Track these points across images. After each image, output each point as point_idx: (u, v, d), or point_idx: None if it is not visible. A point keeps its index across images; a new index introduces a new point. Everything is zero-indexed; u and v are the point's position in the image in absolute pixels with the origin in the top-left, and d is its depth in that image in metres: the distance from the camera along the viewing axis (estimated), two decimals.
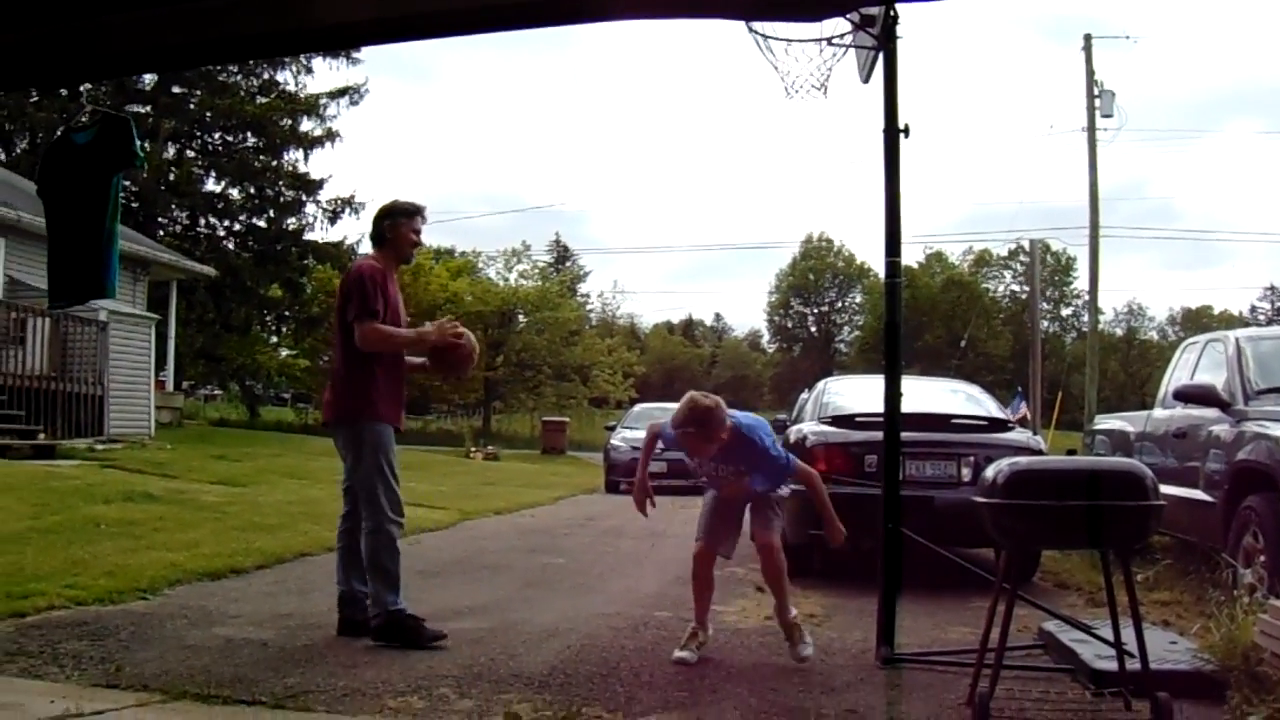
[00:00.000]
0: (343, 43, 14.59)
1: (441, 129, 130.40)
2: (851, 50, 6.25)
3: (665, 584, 8.77)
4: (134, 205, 31.19)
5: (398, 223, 6.72)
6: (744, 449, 6.15)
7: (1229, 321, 70.84)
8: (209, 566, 8.50)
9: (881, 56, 6.04)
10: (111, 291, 5.61)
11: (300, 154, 36.69)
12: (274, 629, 6.49)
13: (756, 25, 5.79)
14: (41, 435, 17.67)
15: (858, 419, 9.14)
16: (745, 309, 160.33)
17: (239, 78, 35.68)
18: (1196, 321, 77.04)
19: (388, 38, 4.05)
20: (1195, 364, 9.95)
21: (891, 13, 5.77)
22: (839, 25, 5.95)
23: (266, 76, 36.43)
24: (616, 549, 11.52)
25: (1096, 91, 32.11)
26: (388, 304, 6.54)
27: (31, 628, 6.21)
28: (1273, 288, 77.28)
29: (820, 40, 6.03)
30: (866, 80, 6.32)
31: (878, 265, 6.16)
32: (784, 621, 6.29)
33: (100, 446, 18.57)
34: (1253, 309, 78.62)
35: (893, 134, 5.98)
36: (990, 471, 4.81)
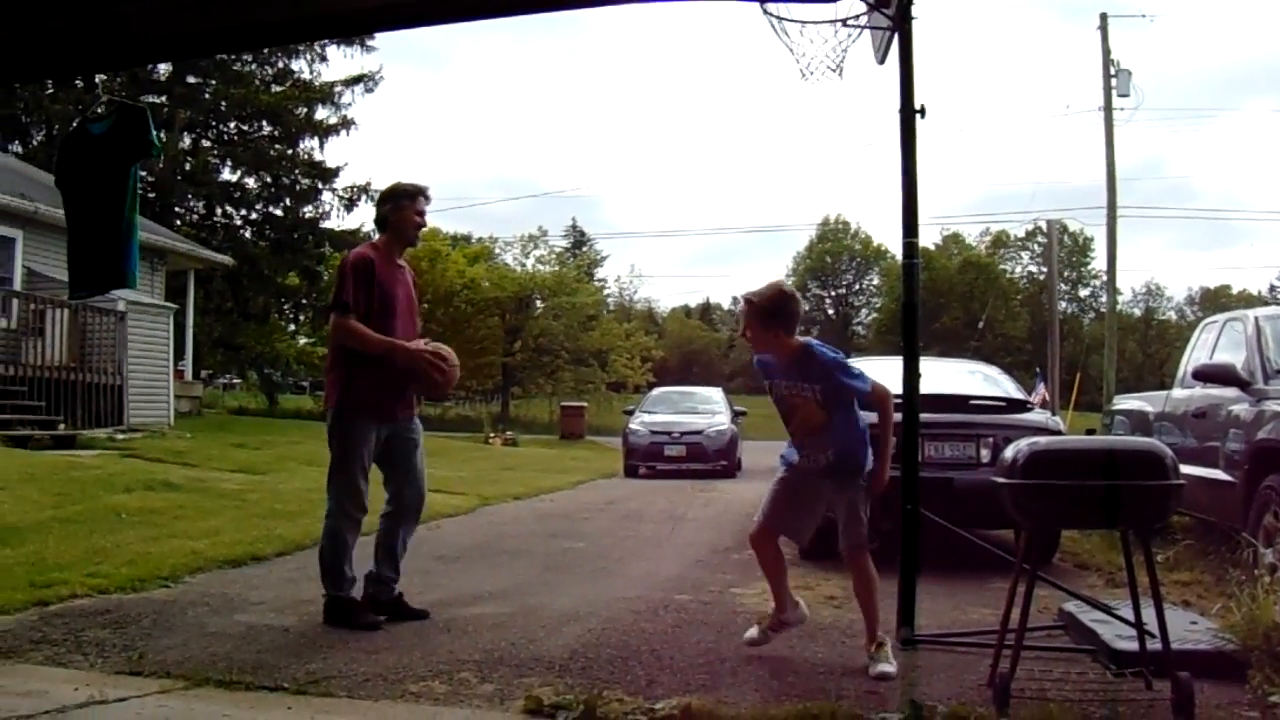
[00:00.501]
0: (357, 29, 14.60)
1: (456, 115, 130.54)
2: (867, 31, 6.24)
3: (685, 567, 8.78)
4: (151, 195, 31.24)
5: (400, 205, 6.68)
6: (814, 364, 5.76)
7: (1248, 301, 70.44)
8: (230, 554, 8.54)
9: (897, 37, 6.02)
10: (133, 281, 5.62)
11: (316, 142, 36.73)
12: (295, 615, 6.52)
13: (771, 7, 5.78)
14: (62, 425, 17.76)
15: None
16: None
17: (254, 67, 35.70)
18: (1215, 301, 76.68)
19: (402, 23, 4.04)
20: (1214, 344, 9.91)
21: None
22: (854, 6, 5.94)
23: (281, 65, 36.44)
24: (636, 533, 11.52)
25: (1113, 70, 31.93)
26: (376, 294, 6.49)
27: (55, 616, 6.26)
28: None
29: (835, 21, 6.02)
30: (882, 61, 6.30)
31: (895, 247, 6.18)
32: (869, 642, 5.69)
33: (120, 436, 18.65)
34: (1272, 288, 78.10)
35: (909, 115, 5.96)
36: (1010, 452, 4.80)
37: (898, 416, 5.96)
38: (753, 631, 6.01)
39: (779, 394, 5.94)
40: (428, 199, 6.87)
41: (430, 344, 6.75)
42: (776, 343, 5.77)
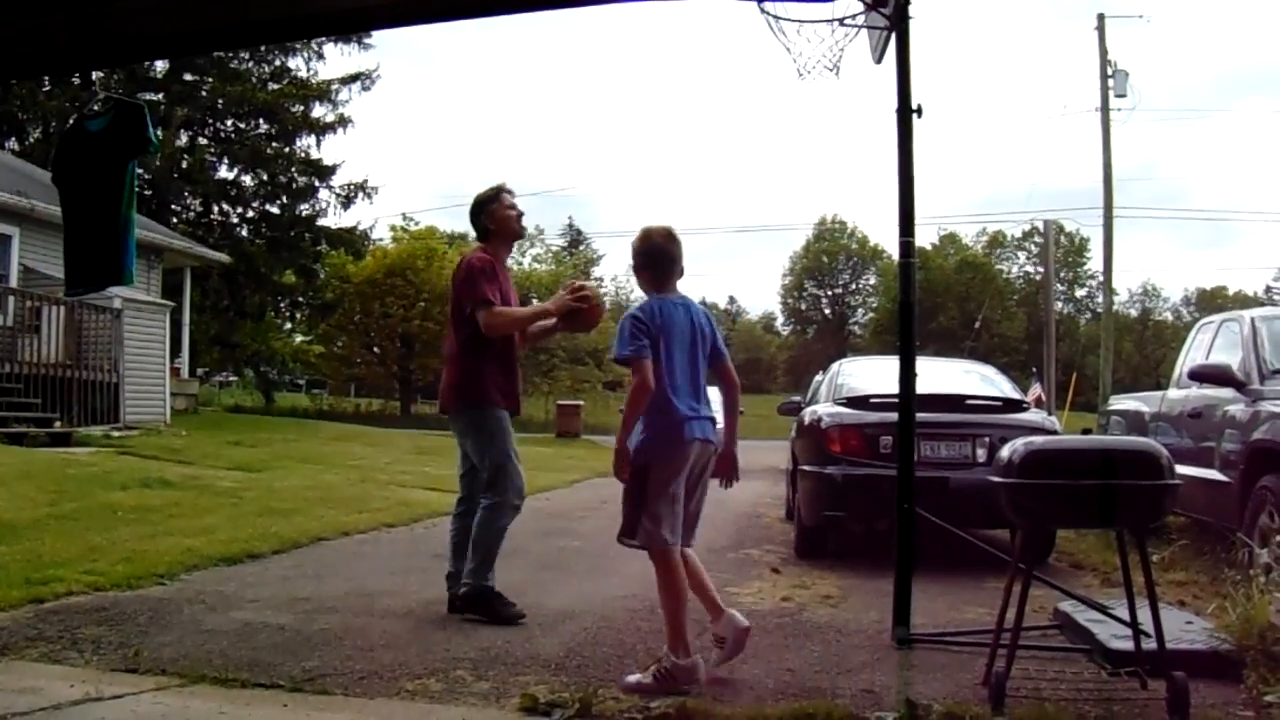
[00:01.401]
0: (355, 26, 14.60)
1: (453, 113, 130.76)
2: (864, 31, 6.24)
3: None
4: (147, 193, 31.23)
5: (490, 210, 6.81)
6: None
7: (1244, 302, 70.57)
8: (225, 552, 8.53)
9: (894, 37, 6.02)
10: (130, 278, 5.62)
11: (313, 140, 36.74)
12: (291, 613, 6.52)
13: (768, 6, 5.79)
14: (58, 423, 17.76)
15: (872, 400, 9.14)
16: (759, 292, 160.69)
17: (250, 64, 35.69)
18: (1211, 302, 76.83)
19: (400, 21, 4.04)
20: (1210, 344, 9.93)
21: None
22: (851, 5, 5.94)
23: (278, 63, 36.42)
24: None
25: (1110, 71, 31.97)
26: (501, 291, 6.64)
27: (51, 613, 6.25)
28: None
29: (832, 21, 6.02)
30: (879, 61, 6.31)
31: (891, 247, 6.15)
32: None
33: (116, 433, 18.65)
34: (1268, 289, 78.30)
35: (905, 114, 5.96)
36: (1006, 451, 4.81)
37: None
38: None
39: None
40: (510, 192, 6.97)
41: (569, 283, 6.87)
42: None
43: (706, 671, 5.18)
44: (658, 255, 5.55)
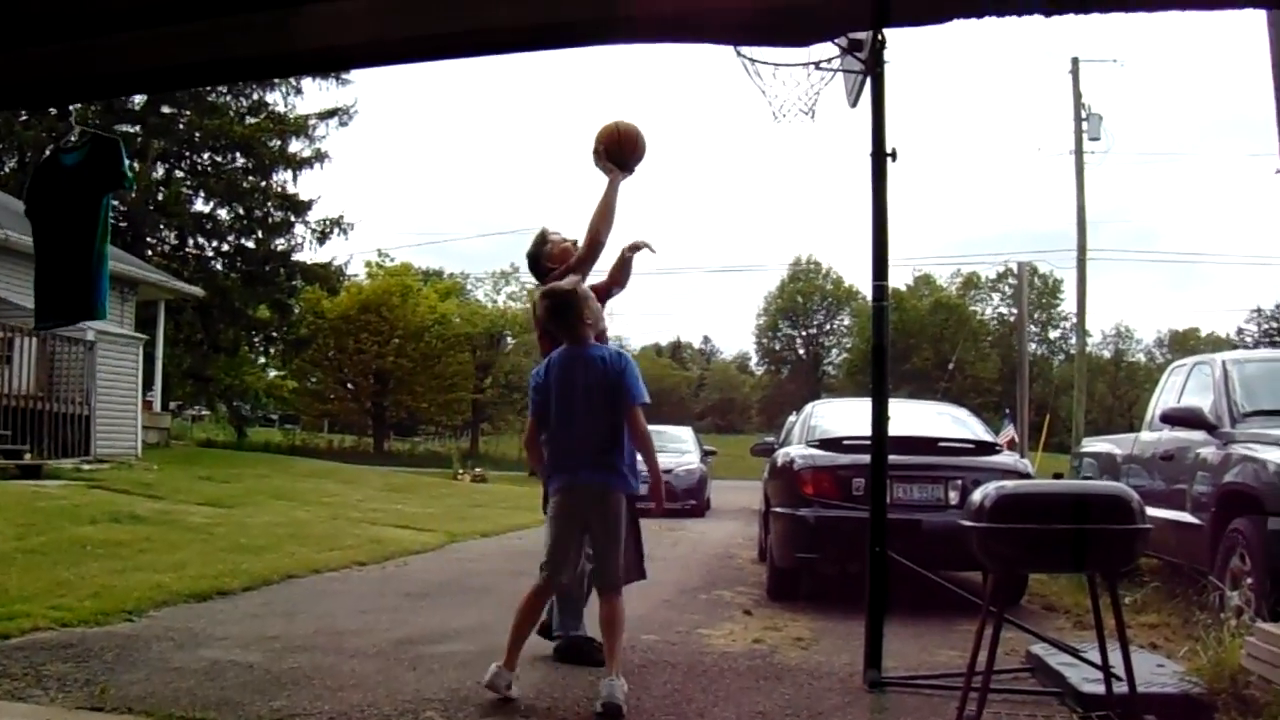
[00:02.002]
0: (333, 66, 14.66)
1: (430, 150, 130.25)
2: (839, 75, 6.29)
3: (652, 607, 8.74)
4: (122, 225, 31.14)
5: (542, 264, 6.85)
6: None
7: (1216, 344, 71.02)
8: (195, 588, 8.47)
9: (869, 80, 6.07)
10: (102, 313, 5.60)
11: (289, 175, 36.64)
12: (260, 651, 6.47)
13: (745, 50, 5.83)
14: (28, 455, 17.61)
15: (845, 442, 9.15)
16: (733, 331, 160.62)
17: (228, 98, 35.63)
18: (1184, 344, 77.21)
19: (379, 61, 4.06)
20: (1182, 387, 9.99)
21: (879, 37, 5.80)
22: (827, 50, 5.99)
23: (256, 97, 36.38)
24: None
25: (1084, 115, 32.20)
26: None
27: (15, 649, 6.19)
28: (1259, 310, 77.39)
29: (808, 65, 6.07)
30: (854, 104, 6.35)
31: (866, 288, 6.19)
32: None
33: (87, 467, 18.51)
34: (1239, 331, 78.75)
35: (880, 158, 6.00)
36: (977, 495, 4.82)
37: None
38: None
39: None
40: (545, 238, 7.00)
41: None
42: None
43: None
44: (548, 322, 5.95)
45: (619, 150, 6.48)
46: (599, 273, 6.81)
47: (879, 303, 6.19)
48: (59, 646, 6.30)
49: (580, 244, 6.59)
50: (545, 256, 6.78)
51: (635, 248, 6.78)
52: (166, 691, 5.37)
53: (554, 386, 5.72)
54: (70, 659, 6.00)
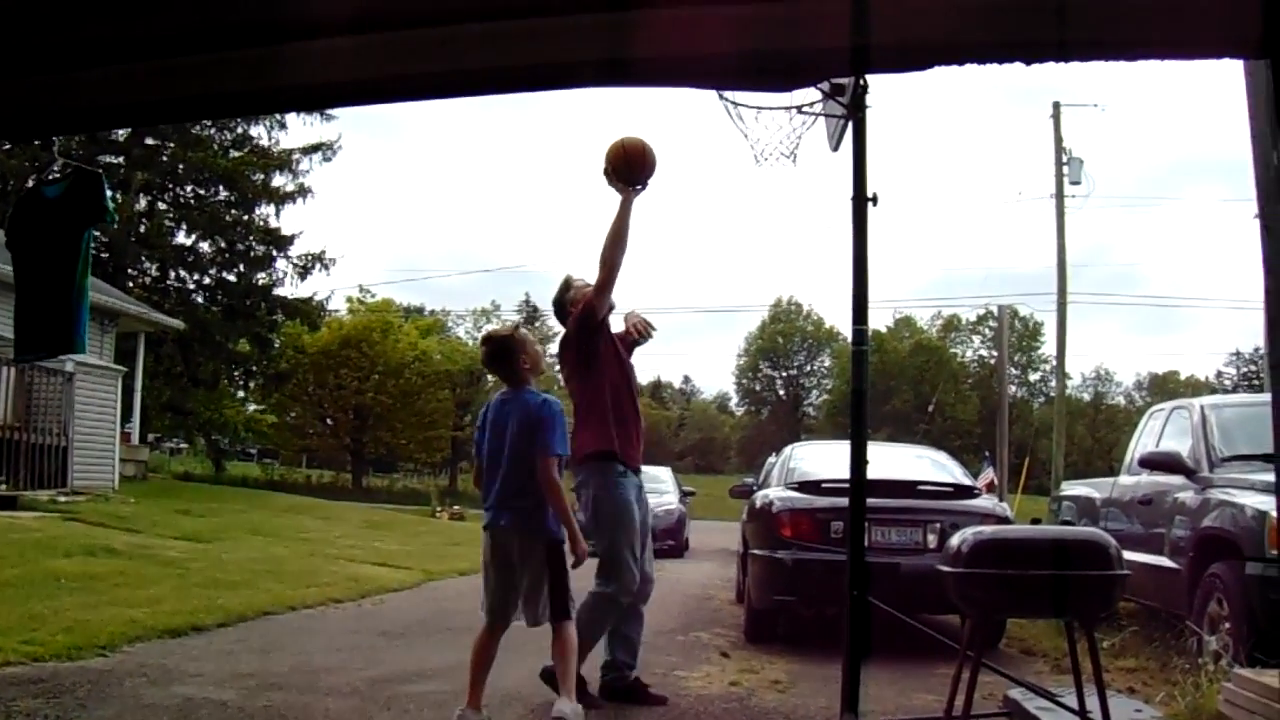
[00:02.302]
0: (318, 103, 14.66)
1: (411, 186, 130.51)
2: (821, 118, 6.32)
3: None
4: (104, 256, 31.09)
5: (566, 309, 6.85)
6: None
7: (1195, 387, 71.40)
8: (170, 624, 8.42)
9: (851, 125, 6.10)
10: (81, 346, 5.59)
11: (272, 209, 36.71)
12: (234, 689, 6.43)
13: (727, 93, 5.86)
14: (3, 486, 17.49)
15: (824, 485, 9.15)
16: (714, 372, 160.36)
17: (212, 131, 35.64)
18: (1163, 387, 77.57)
19: (363, 99, 4.07)
20: (1161, 431, 10.04)
21: (861, 83, 5.84)
22: (809, 94, 6.01)
23: (240, 130, 36.43)
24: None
25: (1065, 159, 32.37)
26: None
27: None
28: (1238, 353, 77.89)
29: (790, 108, 6.09)
30: (836, 149, 6.38)
31: (846, 329, 6.22)
32: None
33: (63, 499, 18.39)
34: (1219, 374, 79.29)
35: (861, 203, 6.02)
36: (955, 540, 4.83)
37: None
38: None
39: None
40: (569, 285, 6.98)
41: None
42: None
43: None
44: (488, 367, 6.35)
45: (627, 167, 6.45)
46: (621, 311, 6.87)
47: (859, 347, 6.20)
48: (30, 682, 6.24)
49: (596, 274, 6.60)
50: (570, 303, 6.79)
51: (637, 330, 6.95)
52: None
53: (489, 428, 5.93)
54: (42, 694, 5.95)
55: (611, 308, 6.65)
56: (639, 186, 6.49)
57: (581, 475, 6.64)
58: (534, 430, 5.75)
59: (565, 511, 5.88)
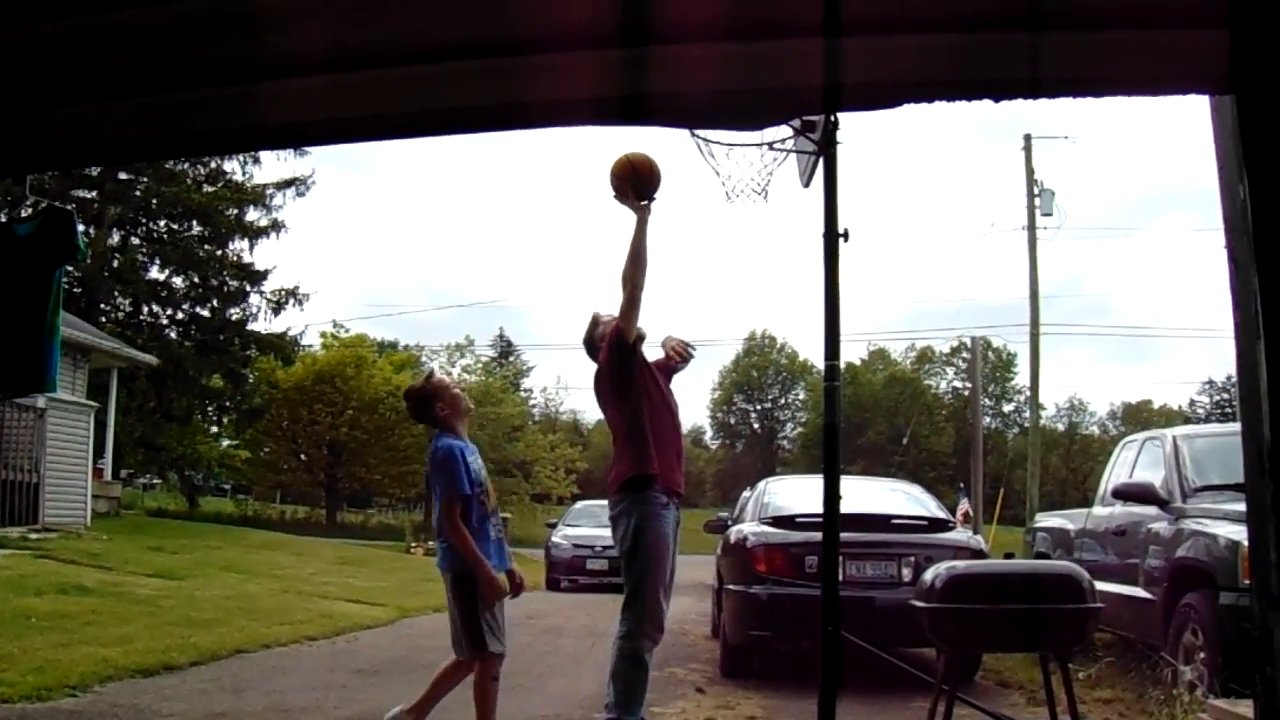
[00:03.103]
0: (291, 141, 14.70)
1: (385, 221, 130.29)
2: (793, 155, 6.35)
3: (604, 685, 8.68)
4: (76, 291, 30.97)
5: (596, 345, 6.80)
6: None
7: (1169, 416, 71.78)
8: (142, 663, 8.36)
9: (822, 161, 6.13)
10: (53, 385, 5.58)
11: (245, 244, 36.60)
12: None
13: (699, 131, 5.88)
14: None
15: (798, 519, 9.16)
16: (688, 405, 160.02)
17: (186, 166, 35.54)
18: (1137, 416, 77.95)
19: (338, 139, 4.08)
20: (1134, 462, 10.09)
21: (832, 119, 5.87)
22: (780, 130, 6.05)
23: (214, 165, 36.31)
24: (556, 648, 11.43)
25: (1036, 191, 32.54)
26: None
27: None
28: (1211, 382, 78.37)
29: (761, 145, 6.13)
30: (807, 185, 6.40)
31: (820, 362, 6.24)
32: None
33: (34, 536, 18.26)
34: (1191, 403, 79.76)
35: (832, 239, 6.04)
36: (928, 575, 4.85)
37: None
38: None
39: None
40: (596, 320, 6.94)
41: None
42: None
43: None
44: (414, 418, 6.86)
45: (637, 180, 6.28)
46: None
47: (831, 382, 6.21)
48: None
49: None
50: (599, 338, 6.73)
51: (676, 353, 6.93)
52: None
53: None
54: None
55: (642, 336, 6.59)
56: (649, 201, 6.41)
57: (621, 505, 6.52)
58: (433, 476, 6.15)
59: (466, 549, 6.01)
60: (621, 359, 6.44)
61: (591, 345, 6.83)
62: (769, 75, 3.09)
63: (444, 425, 6.26)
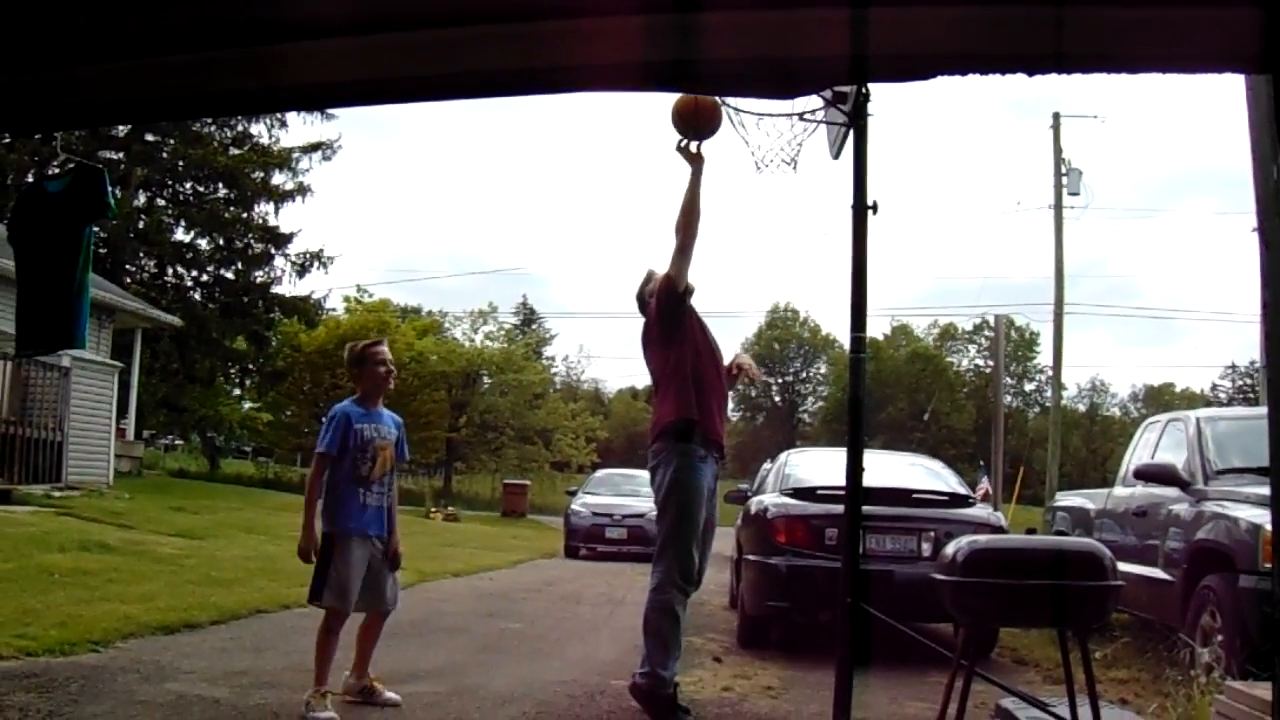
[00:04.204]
0: (317, 103, 14.66)
1: (410, 187, 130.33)
2: (822, 126, 6.31)
3: (622, 652, 8.72)
4: (102, 252, 31.03)
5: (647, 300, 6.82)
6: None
7: (1191, 399, 71.43)
8: (163, 620, 8.41)
9: (852, 133, 6.09)
10: (81, 342, 5.60)
11: (271, 207, 36.61)
12: (227, 686, 6.43)
13: (729, 100, 5.86)
14: None
15: (819, 491, 9.16)
16: None
17: (213, 129, 35.55)
18: (1159, 399, 77.65)
19: (363, 100, 4.06)
20: (1156, 443, 10.05)
21: (863, 91, 5.83)
22: (811, 101, 6.01)
23: (240, 128, 36.36)
24: (574, 614, 11.47)
25: (1064, 169, 32.38)
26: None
27: None
28: (1234, 366, 77.80)
29: (791, 115, 6.09)
30: (837, 156, 6.37)
31: (843, 336, 6.25)
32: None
33: (58, 493, 18.39)
34: (1214, 387, 79.21)
35: (861, 211, 6.01)
36: (950, 549, 4.83)
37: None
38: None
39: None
40: (650, 276, 6.94)
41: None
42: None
43: None
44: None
45: (696, 115, 6.19)
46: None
47: (856, 354, 6.19)
48: (23, 676, 6.23)
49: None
50: (649, 294, 6.74)
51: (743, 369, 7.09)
52: None
53: None
54: (34, 689, 5.95)
55: (691, 288, 6.60)
56: (708, 137, 6.34)
57: (660, 454, 6.52)
58: None
59: (307, 503, 6.63)
60: (671, 306, 6.45)
61: (642, 300, 6.83)
62: (797, 44, 3.07)
63: (358, 388, 6.71)
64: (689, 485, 6.33)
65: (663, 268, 6.62)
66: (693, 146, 6.35)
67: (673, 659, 6.28)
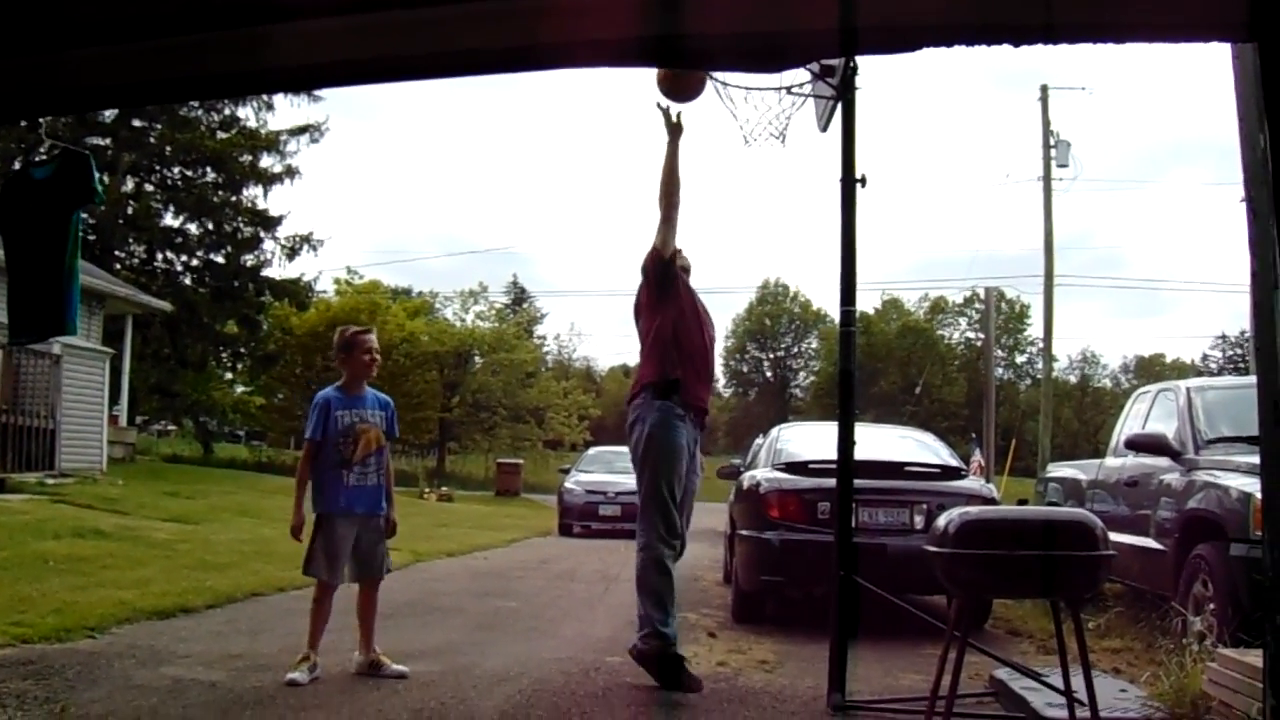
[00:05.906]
0: (305, 84, 14.65)
1: (398, 167, 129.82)
2: (810, 99, 6.32)
3: (617, 629, 8.73)
4: (91, 238, 30.89)
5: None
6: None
7: (1181, 370, 71.57)
8: (158, 605, 8.41)
9: (840, 106, 6.10)
10: (73, 328, 5.60)
11: (259, 190, 36.42)
12: (223, 670, 6.44)
13: (716, 73, 5.85)
14: None
15: (811, 466, 9.17)
16: None
17: (200, 113, 35.39)
18: (1149, 369, 77.78)
19: (350, 80, 4.07)
20: (1147, 413, 10.07)
21: (851, 64, 5.84)
22: (798, 75, 6.01)
23: (228, 112, 36.17)
24: (569, 592, 11.49)
25: (1052, 141, 32.37)
26: None
27: None
28: (1224, 336, 78.09)
29: (779, 89, 6.09)
30: (825, 129, 6.38)
31: (834, 311, 6.30)
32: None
33: (51, 481, 18.35)
34: (1204, 357, 79.47)
35: (849, 184, 6.02)
36: (942, 520, 4.84)
37: None
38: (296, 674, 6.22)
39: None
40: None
41: None
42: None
43: None
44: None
45: (679, 80, 6.12)
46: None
47: (846, 328, 6.21)
48: (19, 663, 6.24)
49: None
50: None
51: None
52: (128, 710, 5.34)
53: None
54: (30, 676, 5.95)
55: (677, 251, 6.67)
56: (690, 100, 6.31)
57: (636, 411, 6.56)
58: None
59: (297, 485, 6.94)
60: (658, 273, 6.49)
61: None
62: (786, 17, 3.07)
63: (343, 373, 6.91)
64: (666, 442, 6.38)
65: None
66: (673, 112, 6.36)
67: (672, 617, 6.33)
